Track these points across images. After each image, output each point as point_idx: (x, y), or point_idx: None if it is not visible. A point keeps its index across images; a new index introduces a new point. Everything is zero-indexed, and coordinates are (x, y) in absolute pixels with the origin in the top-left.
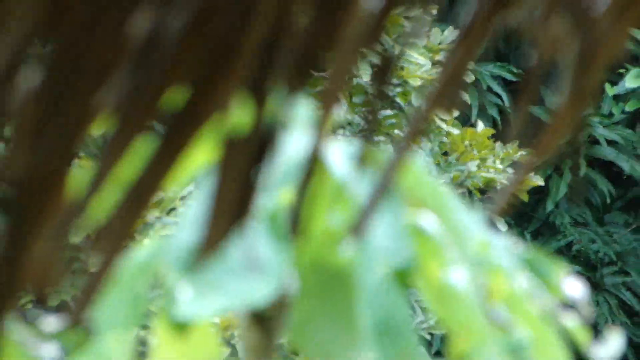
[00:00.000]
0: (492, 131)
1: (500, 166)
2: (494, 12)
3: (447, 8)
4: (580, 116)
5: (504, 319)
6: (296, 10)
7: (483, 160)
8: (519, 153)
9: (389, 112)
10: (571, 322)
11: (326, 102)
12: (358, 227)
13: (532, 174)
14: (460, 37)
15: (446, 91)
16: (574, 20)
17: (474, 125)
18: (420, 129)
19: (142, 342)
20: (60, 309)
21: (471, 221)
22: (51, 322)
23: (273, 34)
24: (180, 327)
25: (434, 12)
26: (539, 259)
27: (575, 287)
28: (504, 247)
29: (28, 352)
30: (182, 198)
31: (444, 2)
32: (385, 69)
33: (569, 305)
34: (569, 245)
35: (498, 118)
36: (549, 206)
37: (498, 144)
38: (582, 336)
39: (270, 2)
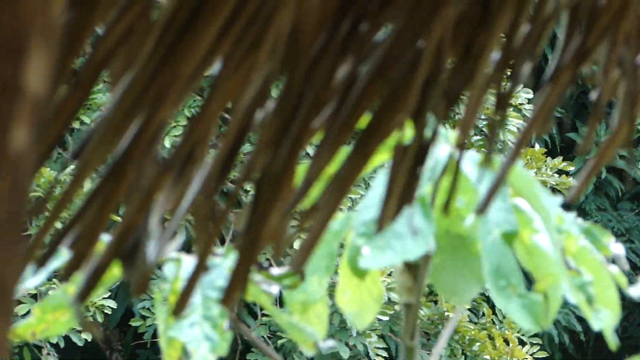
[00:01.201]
0: (544, 150)
1: (549, 172)
2: (574, 66)
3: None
4: (628, 136)
5: (573, 267)
6: (446, 61)
7: (539, 169)
8: (562, 164)
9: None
10: (614, 270)
11: (463, 125)
12: (482, 207)
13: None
14: (549, 85)
15: (538, 124)
16: (624, 70)
17: (532, 146)
18: (521, 147)
19: (332, 285)
20: (280, 262)
21: (550, 203)
22: (276, 271)
23: (429, 77)
24: (361, 273)
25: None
26: (593, 228)
27: (616, 248)
28: (571, 220)
29: (262, 289)
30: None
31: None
32: (502, 103)
33: (612, 259)
34: (595, 223)
35: (548, 140)
36: (582, 198)
37: (548, 159)
38: (622, 280)
39: (429, 55)
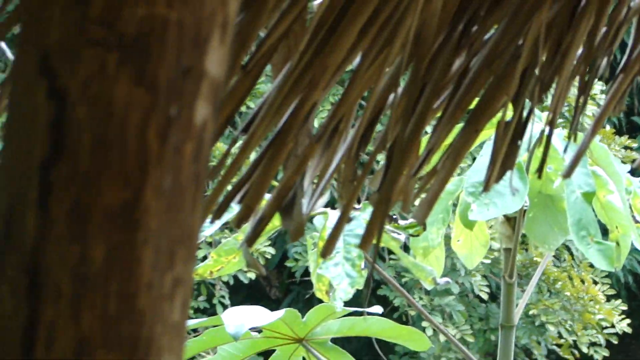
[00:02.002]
0: (613, 130)
1: (617, 148)
2: None
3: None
4: None
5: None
6: (540, 55)
7: (609, 145)
8: (628, 141)
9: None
10: None
11: (553, 107)
12: (567, 172)
13: None
14: (620, 77)
15: (613, 106)
16: None
17: (604, 127)
18: (598, 127)
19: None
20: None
21: (620, 170)
22: (404, 222)
23: (527, 68)
24: (470, 224)
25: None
26: None
27: None
28: (637, 183)
29: (391, 237)
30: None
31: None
32: (584, 90)
33: None
34: None
35: (616, 122)
36: None
37: (617, 137)
38: None
39: (527, 51)
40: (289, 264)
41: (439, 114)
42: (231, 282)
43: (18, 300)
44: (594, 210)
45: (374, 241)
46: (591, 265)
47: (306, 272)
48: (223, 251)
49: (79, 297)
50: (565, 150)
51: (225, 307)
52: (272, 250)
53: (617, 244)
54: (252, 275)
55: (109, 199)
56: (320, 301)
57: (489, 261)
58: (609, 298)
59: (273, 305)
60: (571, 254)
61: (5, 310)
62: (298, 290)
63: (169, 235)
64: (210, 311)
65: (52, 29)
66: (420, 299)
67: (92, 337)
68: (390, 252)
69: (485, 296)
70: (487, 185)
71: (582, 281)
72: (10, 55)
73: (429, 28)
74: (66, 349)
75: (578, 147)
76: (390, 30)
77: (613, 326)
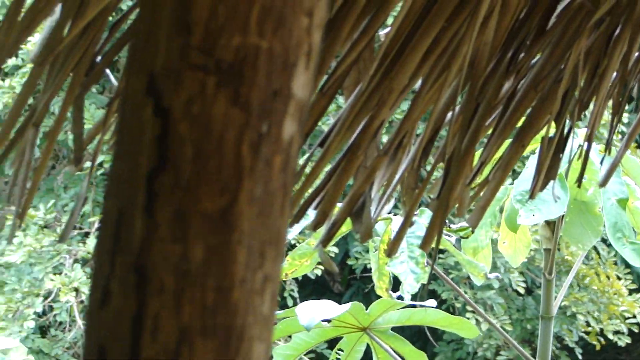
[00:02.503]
0: (635, 144)
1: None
2: None
3: None
4: None
5: None
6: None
7: None
8: None
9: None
10: None
11: (591, 125)
12: (604, 181)
13: None
14: None
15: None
16: None
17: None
18: (630, 142)
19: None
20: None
21: None
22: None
23: (568, 90)
24: (515, 228)
25: None
26: None
27: None
28: None
29: (446, 238)
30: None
31: None
32: (618, 110)
33: None
34: None
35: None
36: None
37: (638, 150)
38: None
39: (568, 74)
40: (350, 262)
41: (490, 131)
42: (299, 277)
43: (127, 294)
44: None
45: (434, 242)
46: (615, 263)
47: (365, 269)
48: (297, 255)
49: (181, 291)
50: (601, 163)
51: (294, 299)
52: (335, 250)
53: None
54: (318, 272)
55: (207, 205)
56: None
57: (525, 259)
58: (631, 292)
59: (336, 297)
60: (598, 253)
61: (116, 304)
62: (358, 285)
63: (260, 237)
64: (281, 303)
65: (158, 54)
66: (465, 292)
67: (191, 326)
68: (440, 251)
69: (522, 290)
70: (532, 194)
71: (608, 277)
72: (112, 79)
73: (482, 55)
74: (169, 337)
75: (612, 159)
76: (448, 57)
77: (634, 317)
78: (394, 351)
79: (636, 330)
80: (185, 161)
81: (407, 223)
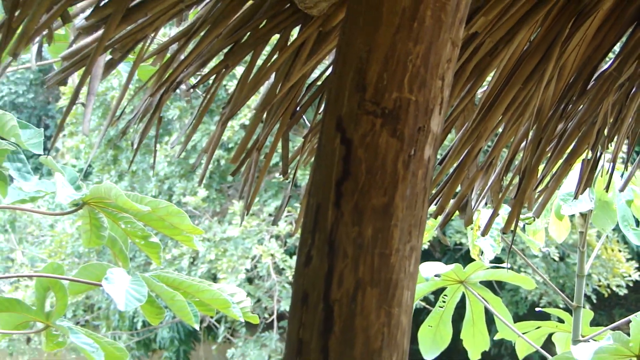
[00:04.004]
0: None
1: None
2: None
3: None
4: None
5: None
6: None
7: None
8: None
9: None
10: None
11: (614, 152)
12: (622, 188)
13: None
14: None
15: None
16: None
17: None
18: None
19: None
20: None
21: None
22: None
23: (599, 129)
24: (560, 217)
25: None
26: None
27: None
28: None
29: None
30: None
31: None
32: (634, 141)
33: None
34: None
35: None
36: None
37: None
38: None
39: (600, 119)
40: (448, 237)
41: (549, 155)
42: None
43: (322, 258)
44: (632, 211)
45: (512, 227)
46: (618, 241)
47: (455, 244)
48: None
49: (357, 257)
50: (622, 176)
51: None
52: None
53: None
54: (425, 245)
55: (375, 201)
56: (470, 259)
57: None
58: (627, 260)
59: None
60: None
61: (315, 264)
62: (450, 254)
63: (408, 222)
64: None
65: (344, 104)
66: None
67: (364, 279)
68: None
69: (556, 258)
70: (577, 195)
71: (612, 250)
72: (306, 121)
73: (544, 106)
74: (349, 286)
75: (628, 174)
76: (523, 107)
77: (630, 276)
78: (480, 297)
79: (631, 285)
80: (361, 173)
81: (494, 214)
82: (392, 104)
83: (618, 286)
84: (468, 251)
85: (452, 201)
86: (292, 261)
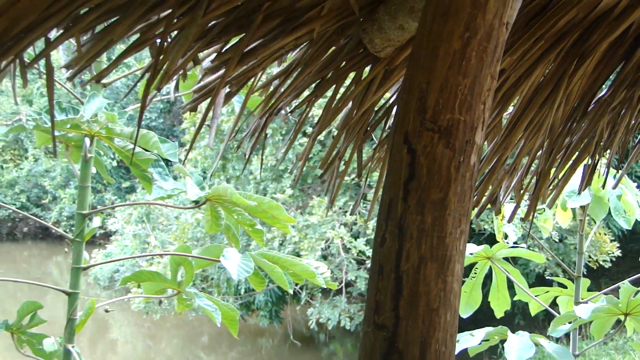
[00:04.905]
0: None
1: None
2: None
3: None
4: None
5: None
6: (604, 135)
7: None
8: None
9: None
10: None
11: (609, 159)
12: (614, 186)
13: None
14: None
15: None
16: None
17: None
18: (627, 168)
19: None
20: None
21: (632, 185)
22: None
23: (597, 141)
24: (565, 209)
25: None
26: None
27: None
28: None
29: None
30: None
31: None
32: (623, 151)
33: None
34: None
35: None
36: None
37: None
38: None
39: (599, 133)
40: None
41: (558, 161)
42: None
43: (393, 240)
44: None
45: (530, 217)
46: (603, 227)
47: (480, 229)
48: None
49: (420, 238)
50: (614, 177)
51: None
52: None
53: (630, 217)
54: None
55: (433, 197)
56: (490, 241)
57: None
58: (611, 241)
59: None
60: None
61: (388, 244)
62: (477, 237)
63: (459, 212)
64: None
65: (410, 123)
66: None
67: (425, 255)
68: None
69: (557, 240)
70: (579, 192)
71: (599, 233)
72: (374, 137)
73: (555, 125)
74: (414, 261)
75: (619, 176)
76: (539, 126)
77: (613, 253)
78: (503, 269)
79: (614, 260)
80: (422, 175)
81: (517, 207)
82: (446, 123)
83: (604, 261)
84: (489, 235)
85: (484, 197)
86: (356, 243)
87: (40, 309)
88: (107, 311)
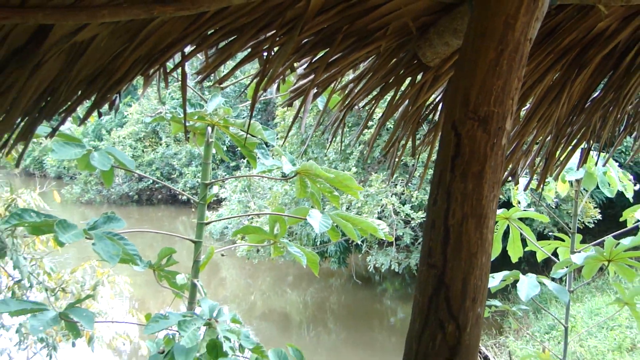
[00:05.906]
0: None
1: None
2: None
3: None
4: None
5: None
6: (596, 127)
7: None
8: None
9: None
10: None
11: (600, 145)
12: (603, 164)
13: None
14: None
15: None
16: None
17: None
18: (612, 152)
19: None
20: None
21: (614, 165)
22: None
23: (592, 131)
24: (565, 181)
25: None
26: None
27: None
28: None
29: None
30: None
31: None
32: (613, 137)
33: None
34: None
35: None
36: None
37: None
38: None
39: (594, 125)
40: None
41: (562, 146)
42: None
43: (443, 201)
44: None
45: (540, 188)
46: (590, 197)
47: None
48: None
49: (463, 200)
50: (603, 158)
51: None
52: None
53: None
54: None
55: (474, 169)
56: (506, 206)
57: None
58: (594, 207)
59: None
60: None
61: (439, 205)
62: None
63: (492, 180)
64: None
65: (456, 113)
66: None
67: (467, 213)
68: (534, 190)
69: (554, 206)
70: (578, 169)
71: (587, 202)
72: (424, 127)
73: (560, 117)
74: (459, 218)
75: (606, 157)
76: (548, 118)
77: (596, 216)
78: (518, 226)
79: (596, 222)
80: (465, 153)
81: (531, 180)
82: (483, 114)
83: (588, 222)
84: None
85: (506, 172)
86: (404, 208)
87: (174, 253)
88: (222, 255)
